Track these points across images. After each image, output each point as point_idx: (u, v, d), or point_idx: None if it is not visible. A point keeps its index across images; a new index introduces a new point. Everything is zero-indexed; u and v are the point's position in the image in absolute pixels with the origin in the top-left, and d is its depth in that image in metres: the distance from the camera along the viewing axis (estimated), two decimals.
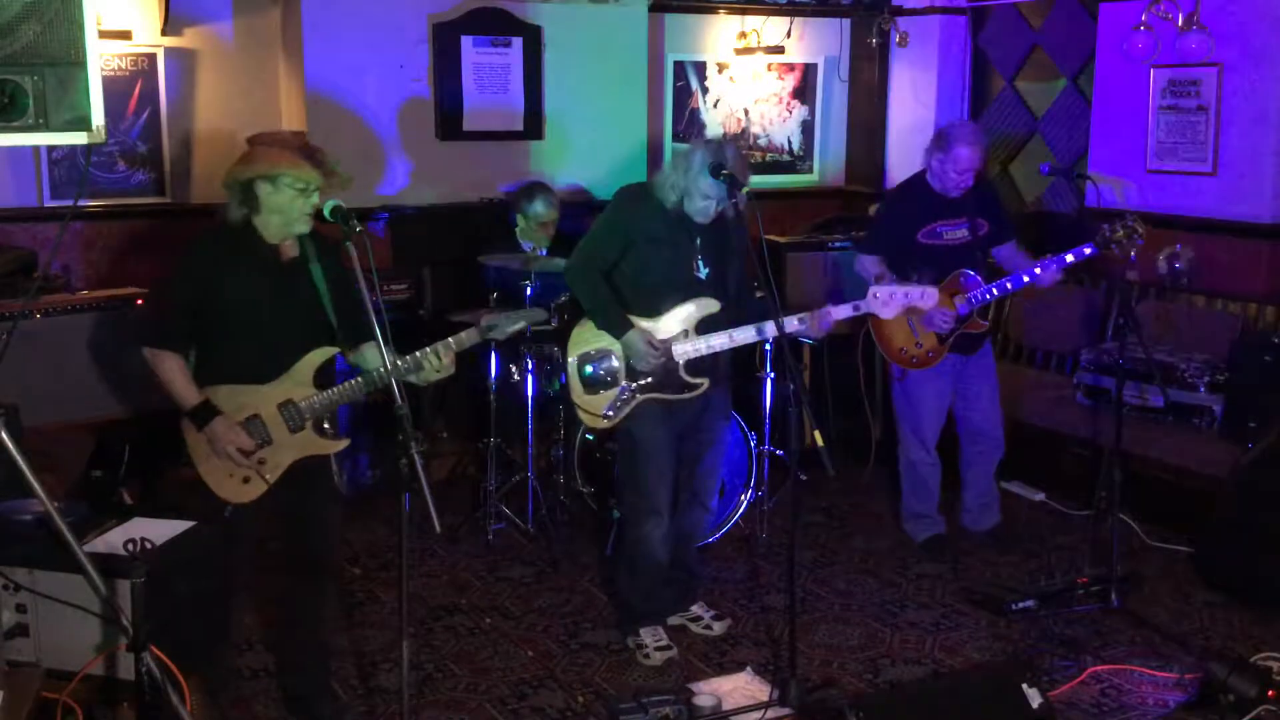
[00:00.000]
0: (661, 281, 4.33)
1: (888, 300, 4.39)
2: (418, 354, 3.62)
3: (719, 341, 4.35)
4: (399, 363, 3.55)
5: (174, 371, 3.57)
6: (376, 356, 3.61)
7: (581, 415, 4.48)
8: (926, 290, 4.41)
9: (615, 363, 4.38)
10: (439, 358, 3.63)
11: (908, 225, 5.14)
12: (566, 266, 4.49)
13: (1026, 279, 5.02)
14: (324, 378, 3.67)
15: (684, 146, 4.40)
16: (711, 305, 4.36)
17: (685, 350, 4.34)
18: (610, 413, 4.37)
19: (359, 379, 3.65)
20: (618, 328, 4.31)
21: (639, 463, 4.43)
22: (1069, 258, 4.95)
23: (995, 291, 5.08)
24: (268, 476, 3.61)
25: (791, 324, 4.26)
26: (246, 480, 3.61)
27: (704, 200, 4.20)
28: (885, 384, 6.17)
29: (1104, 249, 4.87)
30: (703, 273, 4.35)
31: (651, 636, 4.47)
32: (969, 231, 5.15)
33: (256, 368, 3.60)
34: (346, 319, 3.70)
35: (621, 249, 4.34)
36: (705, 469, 4.58)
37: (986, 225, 5.18)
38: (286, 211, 3.55)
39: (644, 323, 4.32)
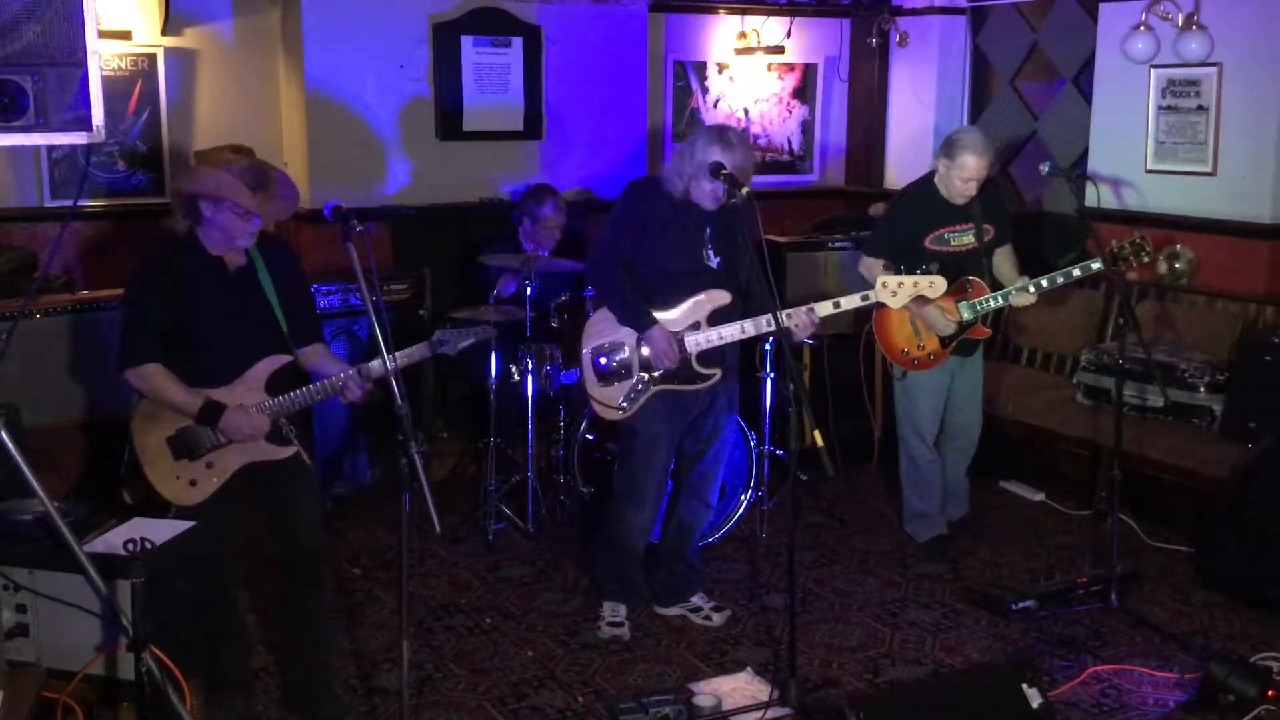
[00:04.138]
0: (673, 270, 4.35)
1: (896, 290, 4.32)
2: (361, 367, 3.67)
3: (730, 332, 4.36)
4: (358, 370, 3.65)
5: (164, 381, 3.56)
6: (329, 363, 3.74)
7: (596, 407, 4.50)
8: (935, 279, 4.33)
9: (629, 354, 4.40)
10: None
11: (914, 229, 5.10)
12: (588, 263, 4.55)
13: (1033, 290, 4.99)
14: (277, 384, 3.69)
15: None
16: (723, 297, 4.38)
17: (697, 341, 4.36)
18: (625, 404, 4.40)
19: (311, 387, 3.68)
20: (640, 321, 4.34)
21: (636, 454, 4.48)
22: (1076, 271, 4.91)
23: (1001, 299, 5.05)
24: (214, 480, 3.64)
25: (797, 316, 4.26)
26: (193, 483, 3.63)
27: (710, 184, 4.22)
28: (884, 384, 6.19)
29: (1110, 266, 4.86)
30: (713, 262, 4.38)
31: (610, 611, 4.58)
32: (975, 237, 5.13)
33: (209, 373, 3.62)
34: (296, 321, 3.72)
35: (636, 239, 4.36)
36: (707, 465, 4.60)
37: (992, 230, 5.17)
38: (228, 230, 3.57)
39: (659, 314, 4.34)
